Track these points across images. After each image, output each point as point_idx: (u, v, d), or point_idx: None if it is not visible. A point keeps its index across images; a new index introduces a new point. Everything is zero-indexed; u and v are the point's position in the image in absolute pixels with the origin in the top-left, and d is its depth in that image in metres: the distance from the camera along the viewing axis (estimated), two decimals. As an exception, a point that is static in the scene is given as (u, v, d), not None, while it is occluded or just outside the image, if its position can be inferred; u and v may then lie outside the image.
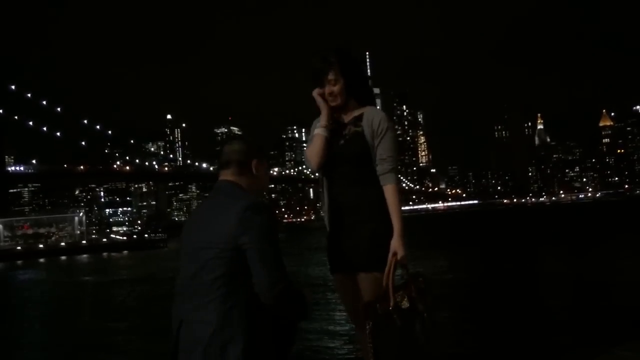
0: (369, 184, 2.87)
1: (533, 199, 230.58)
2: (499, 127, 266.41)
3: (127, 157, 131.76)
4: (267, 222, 2.36)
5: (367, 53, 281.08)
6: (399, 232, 2.82)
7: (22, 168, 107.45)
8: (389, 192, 2.87)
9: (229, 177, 2.55)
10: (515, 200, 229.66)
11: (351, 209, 2.86)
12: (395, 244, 2.80)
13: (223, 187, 2.53)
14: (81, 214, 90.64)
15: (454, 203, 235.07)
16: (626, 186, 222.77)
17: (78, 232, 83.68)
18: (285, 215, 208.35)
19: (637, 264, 12.87)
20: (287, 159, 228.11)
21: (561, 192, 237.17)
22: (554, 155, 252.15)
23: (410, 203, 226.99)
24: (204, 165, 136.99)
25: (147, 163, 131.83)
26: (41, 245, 75.99)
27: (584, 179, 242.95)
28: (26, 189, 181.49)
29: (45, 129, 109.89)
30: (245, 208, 2.34)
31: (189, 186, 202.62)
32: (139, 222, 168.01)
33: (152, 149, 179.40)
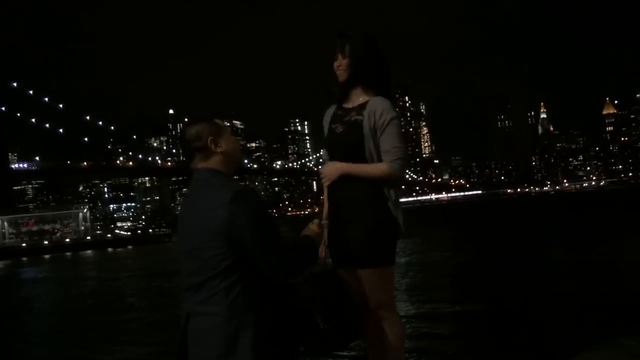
0: (361, 178, 2.80)
1: (537, 188, 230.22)
2: (502, 117, 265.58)
3: (130, 153, 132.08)
4: (254, 209, 2.31)
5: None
6: (346, 166, 2.79)
7: (25, 165, 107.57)
8: (381, 165, 2.79)
9: (200, 166, 2.48)
10: (519, 189, 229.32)
11: (346, 203, 2.82)
12: (336, 166, 2.81)
13: (197, 178, 2.47)
14: (85, 210, 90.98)
15: (457, 193, 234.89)
16: (630, 174, 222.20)
17: (82, 228, 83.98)
18: (289, 208, 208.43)
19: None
20: (290, 151, 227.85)
21: (565, 181, 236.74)
22: (558, 144, 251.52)
23: (414, 194, 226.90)
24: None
25: (150, 158, 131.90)
26: (46, 242, 76.28)
27: (588, 168, 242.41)
28: (30, 185, 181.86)
29: (47, 125, 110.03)
30: (230, 201, 2.29)
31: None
32: (143, 217, 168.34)
33: (155, 144, 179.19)
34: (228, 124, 2.58)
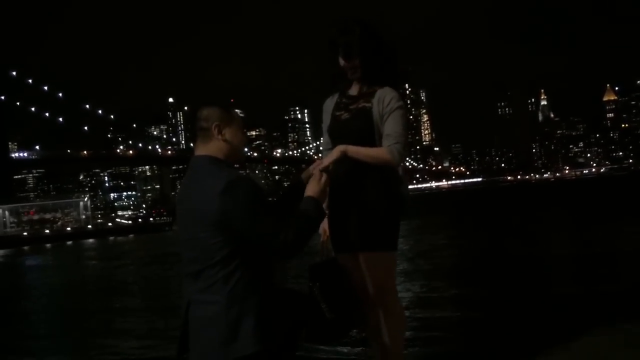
0: (362, 162, 2.75)
1: (537, 176, 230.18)
2: (502, 104, 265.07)
3: (130, 142, 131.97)
4: (246, 198, 2.28)
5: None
6: (348, 148, 2.72)
7: (25, 154, 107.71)
8: (380, 148, 2.74)
9: (200, 150, 2.45)
10: (519, 177, 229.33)
11: (352, 188, 2.78)
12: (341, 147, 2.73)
13: (194, 165, 2.44)
14: (86, 198, 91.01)
15: (458, 181, 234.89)
16: (631, 160, 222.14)
17: (83, 216, 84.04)
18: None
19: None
20: (290, 140, 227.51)
21: (565, 167, 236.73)
22: (558, 131, 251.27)
23: (415, 182, 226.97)
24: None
25: (150, 147, 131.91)
26: (47, 231, 76.40)
27: (588, 155, 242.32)
28: (30, 175, 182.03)
29: (47, 114, 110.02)
30: (222, 191, 2.27)
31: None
32: (144, 205, 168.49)
33: (155, 133, 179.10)
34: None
